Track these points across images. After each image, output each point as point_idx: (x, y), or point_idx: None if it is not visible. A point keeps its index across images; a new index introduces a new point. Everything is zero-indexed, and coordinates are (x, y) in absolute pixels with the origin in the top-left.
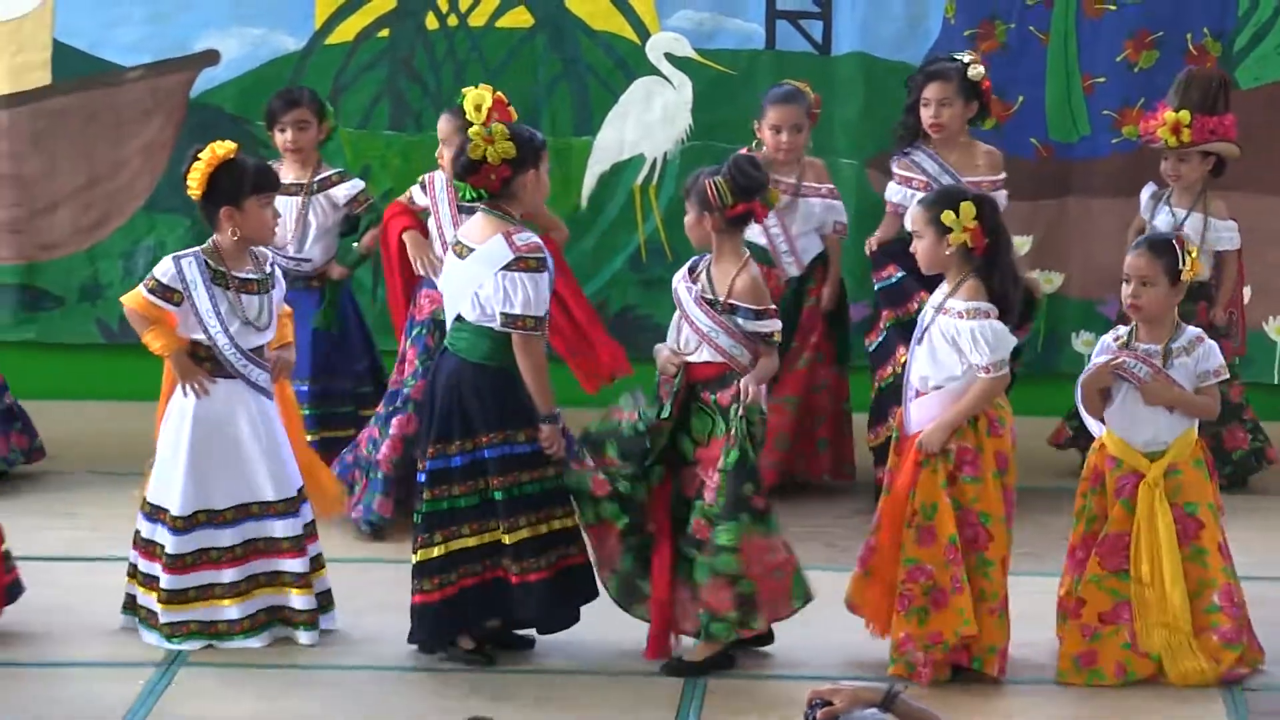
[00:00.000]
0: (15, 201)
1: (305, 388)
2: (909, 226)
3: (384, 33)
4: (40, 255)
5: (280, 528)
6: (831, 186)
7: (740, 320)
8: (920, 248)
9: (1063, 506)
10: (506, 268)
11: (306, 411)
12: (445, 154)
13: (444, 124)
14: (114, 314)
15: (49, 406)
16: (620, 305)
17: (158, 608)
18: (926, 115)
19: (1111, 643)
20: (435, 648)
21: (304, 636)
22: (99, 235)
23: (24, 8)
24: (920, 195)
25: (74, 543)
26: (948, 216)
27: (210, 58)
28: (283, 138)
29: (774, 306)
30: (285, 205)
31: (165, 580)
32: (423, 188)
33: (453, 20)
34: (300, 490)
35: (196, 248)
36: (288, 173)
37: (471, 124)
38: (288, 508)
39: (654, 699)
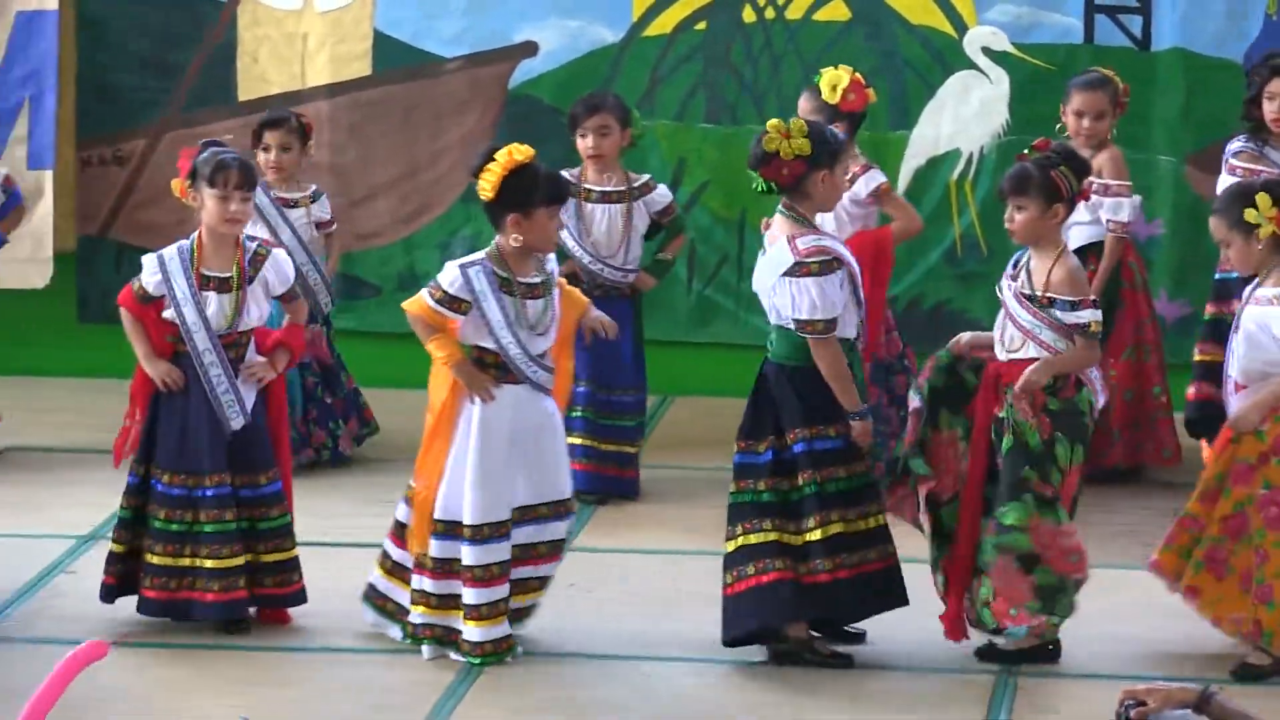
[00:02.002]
0: (334, 191)
1: (583, 388)
2: (1214, 238)
3: (701, 25)
4: (358, 245)
5: (562, 529)
6: (1125, 183)
7: (1058, 313)
8: (1233, 255)
9: None
10: (789, 273)
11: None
12: None
13: (804, 103)
14: None
15: (366, 394)
16: (935, 300)
17: (465, 626)
18: (1270, 110)
19: None
20: (737, 641)
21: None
22: (416, 225)
23: None
24: None
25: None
26: (1250, 214)
27: (529, 49)
28: (584, 143)
29: (1093, 297)
30: (607, 213)
31: (470, 595)
32: None
33: (770, 13)
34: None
35: (481, 254)
36: (595, 179)
37: (830, 104)
38: (564, 509)
39: (965, 696)
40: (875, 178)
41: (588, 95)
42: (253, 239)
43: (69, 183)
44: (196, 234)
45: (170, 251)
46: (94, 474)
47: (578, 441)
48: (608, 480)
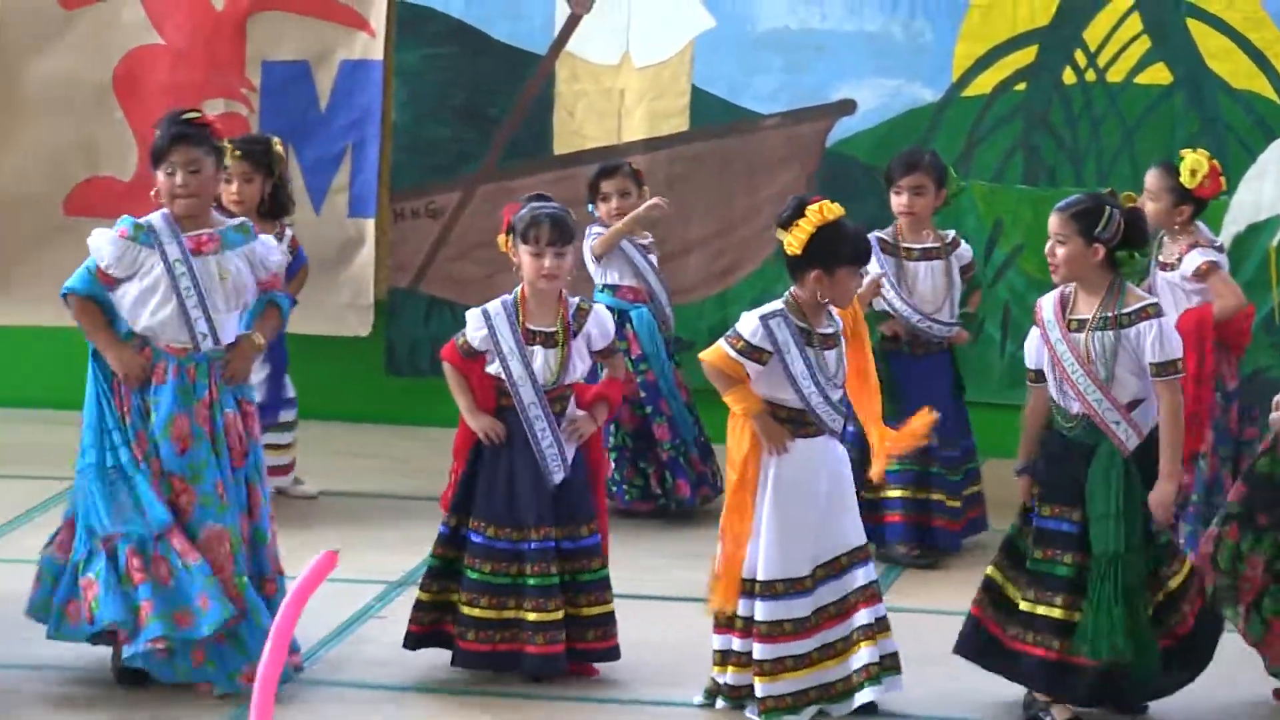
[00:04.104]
0: None
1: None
2: None
3: (1021, 86)
4: (672, 299)
5: (860, 576)
6: None
7: None
8: None
9: None
10: None
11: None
12: (1149, 206)
13: (1155, 179)
14: None
15: None
16: (1252, 367)
17: (754, 681)
18: None
19: None
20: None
21: (865, 693)
22: (729, 281)
23: (665, 54)
24: None
25: (692, 585)
26: None
27: (846, 107)
28: (898, 200)
29: None
30: (930, 270)
31: (758, 650)
32: None
33: (1090, 75)
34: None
35: (779, 304)
36: (911, 238)
37: (1184, 187)
38: (862, 555)
39: None
40: (1197, 257)
41: (905, 152)
42: (613, 289)
43: (383, 233)
44: (519, 289)
45: (495, 306)
46: (404, 520)
47: (902, 494)
48: (930, 533)
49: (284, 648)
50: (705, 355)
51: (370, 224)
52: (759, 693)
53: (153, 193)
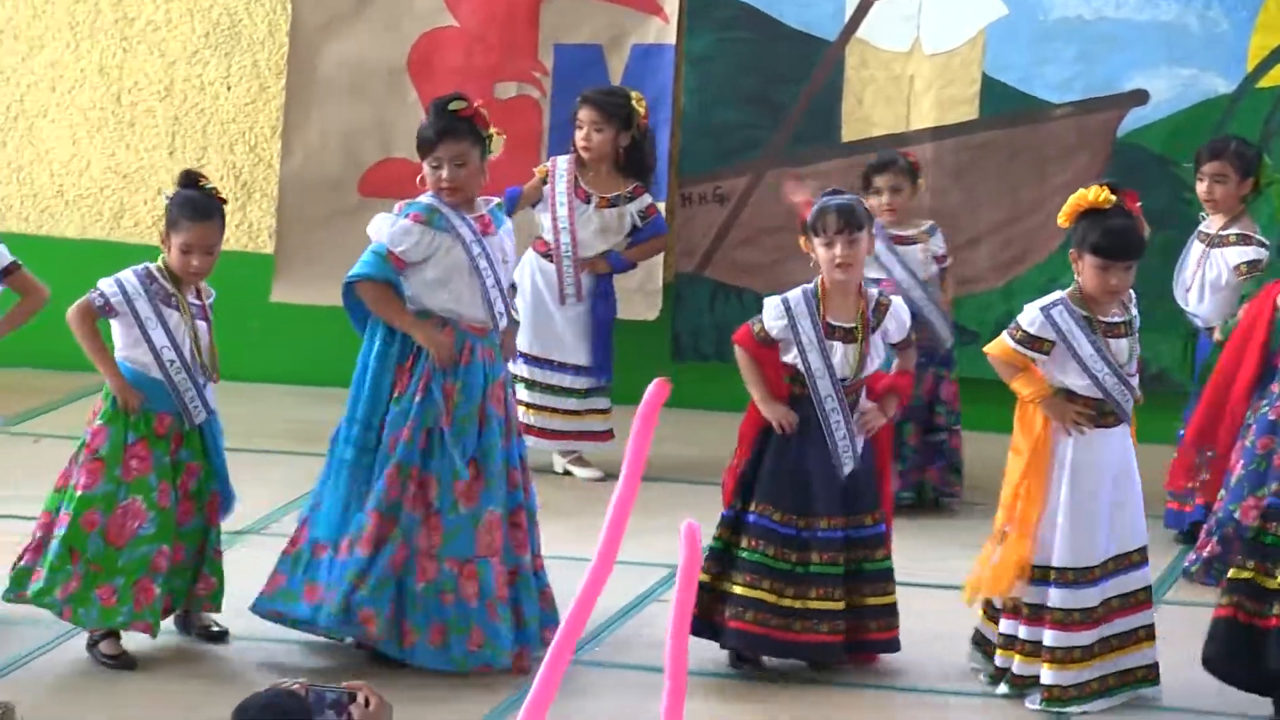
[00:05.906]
0: None
1: None
2: None
3: None
4: (957, 290)
5: (1139, 578)
6: None
7: None
8: None
9: None
10: None
11: None
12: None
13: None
14: None
15: (965, 438)
16: None
17: (1042, 669)
18: None
19: None
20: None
21: (1147, 691)
22: (1015, 271)
23: (956, 42)
24: None
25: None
26: None
27: (1139, 97)
28: (1200, 187)
29: None
30: (1205, 256)
31: (1049, 637)
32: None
33: None
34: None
35: (1061, 293)
36: (1211, 222)
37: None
38: (1144, 556)
39: None
40: None
41: (1213, 139)
42: (874, 281)
43: (671, 217)
44: (819, 280)
45: (795, 295)
46: (690, 504)
47: None
48: None
49: (617, 540)
50: (989, 348)
51: (661, 207)
52: (1045, 680)
53: (418, 180)
